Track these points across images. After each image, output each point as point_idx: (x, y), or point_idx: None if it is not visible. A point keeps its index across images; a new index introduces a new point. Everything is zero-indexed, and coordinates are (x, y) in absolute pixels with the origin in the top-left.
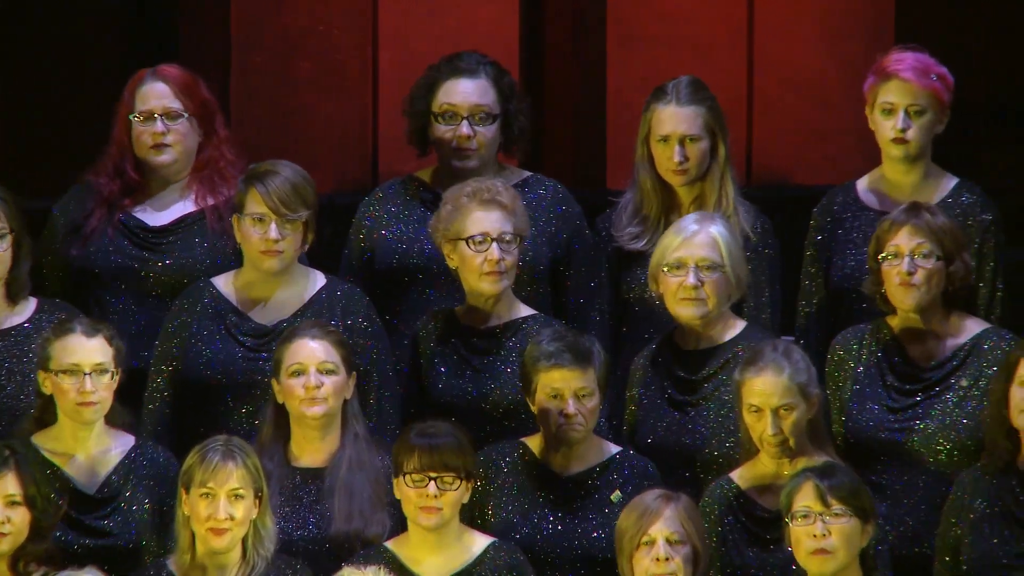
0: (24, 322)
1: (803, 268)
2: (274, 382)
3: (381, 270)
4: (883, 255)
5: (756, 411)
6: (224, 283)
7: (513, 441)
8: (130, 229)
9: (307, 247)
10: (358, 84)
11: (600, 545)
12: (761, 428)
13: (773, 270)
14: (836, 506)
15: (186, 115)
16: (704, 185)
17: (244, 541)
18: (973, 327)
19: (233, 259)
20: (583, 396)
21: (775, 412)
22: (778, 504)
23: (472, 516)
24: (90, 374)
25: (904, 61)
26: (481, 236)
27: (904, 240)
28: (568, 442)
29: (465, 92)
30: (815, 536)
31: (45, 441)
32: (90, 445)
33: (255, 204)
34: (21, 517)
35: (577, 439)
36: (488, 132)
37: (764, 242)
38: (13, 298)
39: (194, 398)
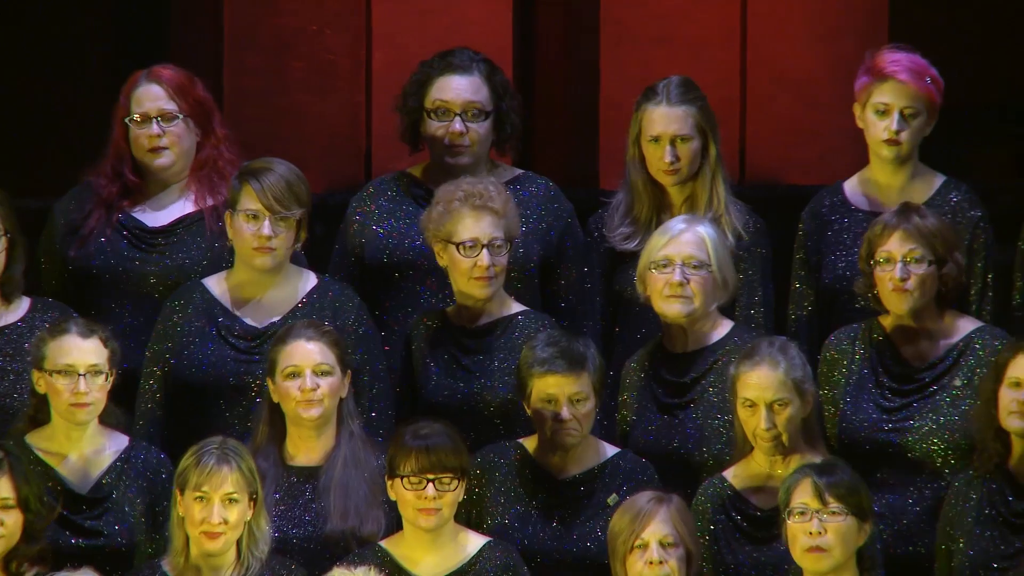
0: (17, 321)
1: (793, 272)
2: (269, 381)
3: (371, 265)
4: (875, 260)
5: (750, 406)
6: (215, 284)
7: (510, 442)
8: (128, 230)
9: (299, 246)
10: (351, 84)
11: (597, 548)
12: (754, 423)
13: (765, 269)
14: (833, 504)
15: (181, 116)
16: (695, 185)
17: (239, 543)
18: (966, 326)
19: (231, 260)
20: (577, 401)
21: (769, 407)
22: (771, 503)
23: (469, 518)
24: (84, 375)
25: (900, 62)
26: (472, 242)
27: (896, 246)
28: (563, 446)
29: (458, 88)
30: (811, 534)
31: (38, 441)
32: (83, 445)
33: (249, 200)
34: (14, 519)
35: (572, 444)
36: (481, 128)
37: (756, 241)
38: (7, 298)
39: (186, 399)
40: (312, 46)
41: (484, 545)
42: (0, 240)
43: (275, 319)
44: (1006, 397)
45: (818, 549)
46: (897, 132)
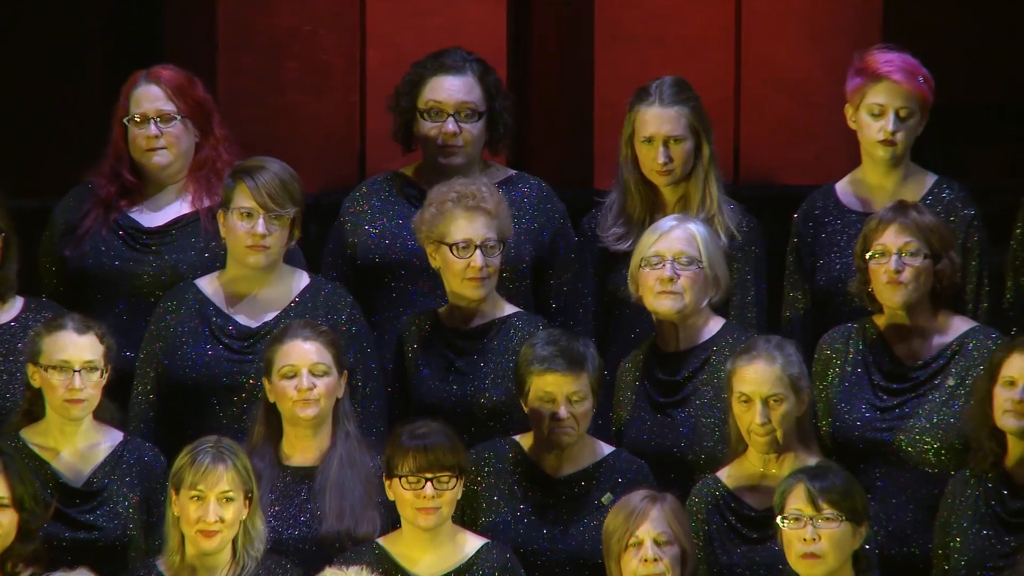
0: (10, 321)
1: (786, 274)
2: (265, 381)
3: (363, 265)
4: (870, 254)
5: (746, 401)
6: (208, 283)
7: (505, 440)
8: (124, 230)
9: (292, 244)
10: (345, 84)
11: (591, 547)
12: (749, 419)
13: (759, 269)
14: (827, 510)
15: (179, 117)
16: (688, 185)
17: (234, 542)
18: (960, 326)
19: (226, 260)
20: (575, 401)
21: (765, 402)
22: (765, 503)
23: (463, 515)
24: (80, 371)
25: (893, 63)
26: (465, 243)
27: (891, 238)
28: (559, 445)
29: (451, 89)
30: (805, 540)
31: (33, 436)
32: (78, 440)
33: (243, 198)
34: (9, 518)
35: (568, 443)
36: (474, 129)
37: (750, 241)
38: (1, 297)
39: (179, 399)
40: (306, 46)
41: (482, 547)
42: None
43: (268, 318)
44: (1001, 396)
45: (812, 556)
46: (893, 133)
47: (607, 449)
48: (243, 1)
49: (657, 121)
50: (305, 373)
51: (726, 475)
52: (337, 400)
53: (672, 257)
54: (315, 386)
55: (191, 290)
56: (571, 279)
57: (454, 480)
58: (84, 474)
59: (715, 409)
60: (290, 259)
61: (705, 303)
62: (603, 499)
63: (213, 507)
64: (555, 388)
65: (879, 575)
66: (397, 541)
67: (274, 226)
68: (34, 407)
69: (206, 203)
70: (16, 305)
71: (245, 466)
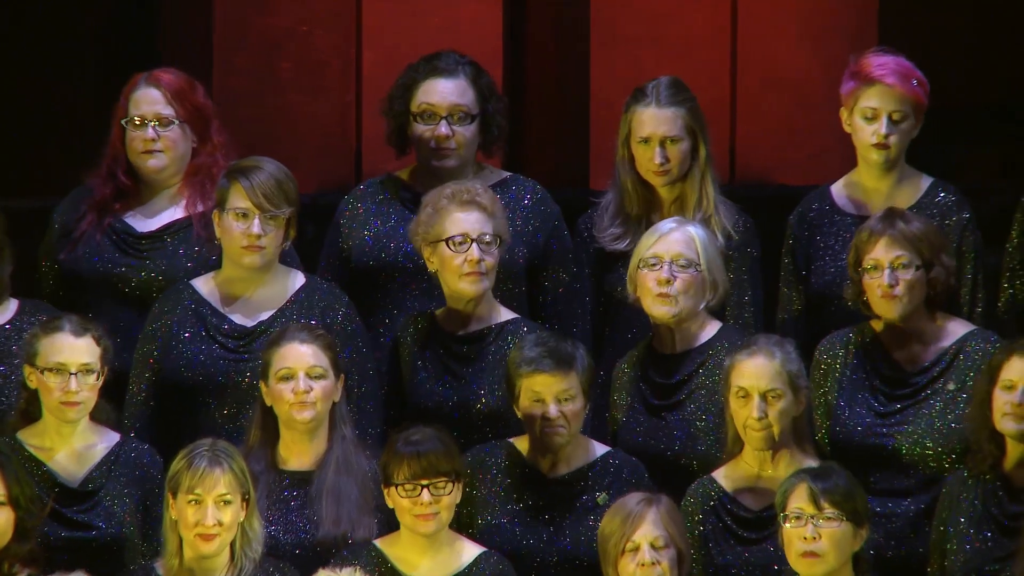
0: (5, 323)
1: (781, 275)
2: (262, 384)
3: (358, 268)
4: (862, 268)
5: (743, 396)
6: (203, 284)
7: (500, 442)
8: (117, 234)
9: (287, 244)
10: (341, 84)
11: (586, 548)
12: (746, 414)
13: (755, 270)
14: (829, 510)
15: (177, 122)
16: (685, 185)
17: (232, 544)
18: (958, 330)
19: (216, 266)
20: (565, 400)
21: (763, 396)
22: (760, 504)
23: (459, 517)
24: (76, 374)
25: (887, 66)
26: (461, 236)
27: (882, 252)
28: (552, 446)
29: (444, 92)
30: (805, 539)
31: (29, 437)
32: (74, 441)
33: (239, 199)
34: (5, 518)
35: (560, 443)
36: (467, 132)
37: (746, 241)
38: None
39: (175, 400)
40: (302, 46)
41: (479, 555)
42: None
43: (263, 317)
44: (1000, 399)
45: (812, 555)
46: (886, 136)
47: (602, 449)
48: (239, 1)
49: (654, 121)
50: (302, 376)
51: (722, 476)
52: (334, 403)
53: (670, 259)
54: (312, 389)
55: (187, 290)
56: (567, 281)
57: (451, 485)
58: (80, 475)
59: (710, 413)
60: (284, 259)
61: (702, 306)
62: (599, 498)
63: (211, 510)
64: (544, 388)
65: None
66: (395, 544)
67: (269, 226)
68: (31, 407)
69: (199, 208)
70: (11, 307)
71: (242, 468)
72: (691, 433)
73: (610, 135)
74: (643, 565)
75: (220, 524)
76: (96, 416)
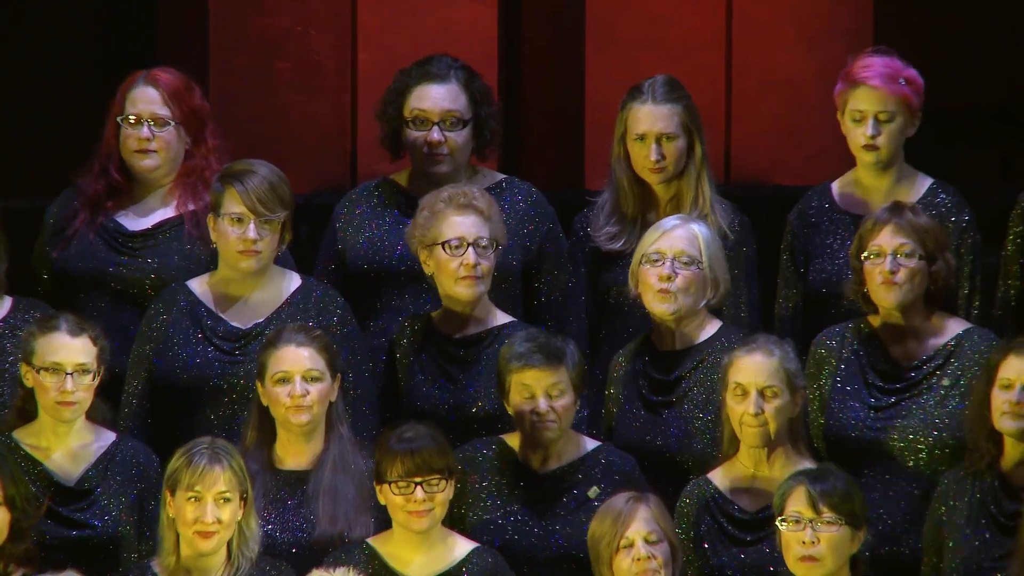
0: None
1: (779, 272)
2: (258, 385)
3: (354, 272)
4: (865, 254)
5: (741, 393)
6: (199, 285)
7: (491, 438)
8: (108, 233)
9: (283, 247)
10: (337, 85)
11: (578, 543)
12: (742, 410)
13: (751, 269)
14: (827, 514)
15: (173, 123)
16: (681, 184)
17: (229, 543)
18: (955, 327)
19: (208, 265)
20: (555, 395)
21: (760, 393)
22: (756, 504)
23: (450, 513)
24: (72, 374)
25: (872, 67)
26: (457, 240)
27: (887, 239)
28: (542, 441)
29: (436, 98)
30: (804, 543)
31: (25, 436)
32: (70, 440)
33: (233, 204)
34: (1, 518)
35: (551, 438)
36: (459, 137)
37: (742, 240)
38: None
39: (170, 400)
40: (299, 47)
41: (472, 551)
42: None
43: (259, 320)
44: (998, 398)
45: (811, 559)
46: (873, 138)
47: (592, 444)
48: (237, 1)
49: (650, 118)
50: (298, 380)
51: (718, 476)
52: (330, 404)
53: (673, 256)
54: (308, 392)
55: (182, 291)
56: (562, 282)
57: (444, 482)
58: (76, 474)
59: (707, 411)
60: (278, 260)
61: (703, 304)
62: (590, 492)
63: (210, 508)
64: (534, 382)
65: None
66: (387, 541)
67: (265, 230)
68: (27, 405)
69: (191, 207)
70: (5, 305)
71: (240, 467)
72: (687, 431)
73: (606, 137)
74: (639, 559)
75: (219, 522)
76: (92, 415)
